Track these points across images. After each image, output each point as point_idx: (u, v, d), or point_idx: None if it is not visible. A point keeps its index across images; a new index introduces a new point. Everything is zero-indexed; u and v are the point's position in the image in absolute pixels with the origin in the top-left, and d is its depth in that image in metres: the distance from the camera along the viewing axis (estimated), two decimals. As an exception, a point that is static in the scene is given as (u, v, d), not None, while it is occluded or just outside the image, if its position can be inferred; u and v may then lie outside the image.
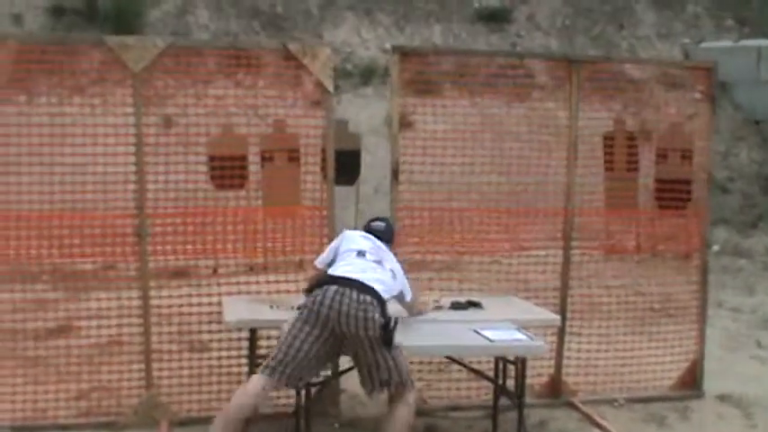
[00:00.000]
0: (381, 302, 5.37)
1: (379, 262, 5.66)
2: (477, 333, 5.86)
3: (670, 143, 8.38)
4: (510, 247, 7.54)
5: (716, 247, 14.02)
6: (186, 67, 6.89)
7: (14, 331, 6.68)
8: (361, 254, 5.66)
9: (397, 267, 5.82)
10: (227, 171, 6.86)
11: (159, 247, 6.70)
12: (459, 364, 6.62)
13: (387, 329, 5.26)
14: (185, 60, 6.85)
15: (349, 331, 5.25)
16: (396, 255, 6.03)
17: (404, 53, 7.11)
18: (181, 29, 17.13)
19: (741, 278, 13.27)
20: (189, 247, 6.84)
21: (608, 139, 8.11)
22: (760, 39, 17.94)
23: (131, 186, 6.46)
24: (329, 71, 6.78)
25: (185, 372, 6.85)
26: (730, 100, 17.51)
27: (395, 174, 6.94)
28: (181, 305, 6.80)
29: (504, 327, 6.02)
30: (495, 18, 18.56)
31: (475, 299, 6.71)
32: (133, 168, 6.45)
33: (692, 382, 7.84)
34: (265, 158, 7.16)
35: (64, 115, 6.52)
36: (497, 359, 6.48)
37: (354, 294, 5.26)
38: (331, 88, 6.82)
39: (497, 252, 7.54)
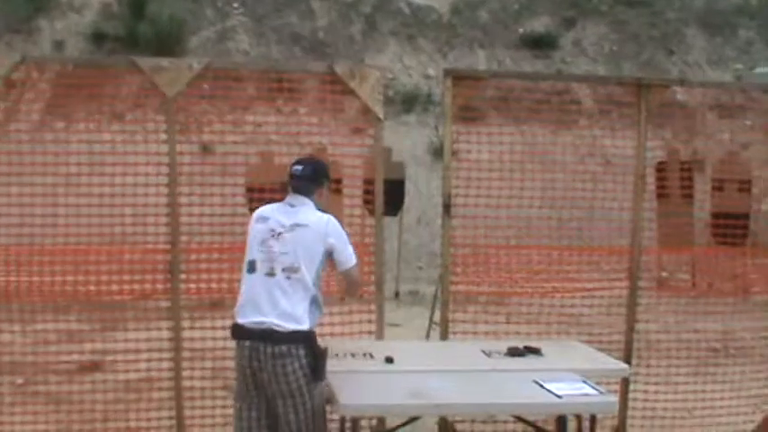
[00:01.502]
0: (301, 337, 4.79)
1: (286, 253, 4.83)
2: (541, 386, 5.15)
3: (726, 173, 7.97)
4: (568, 285, 7.11)
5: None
6: (225, 91, 6.63)
7: (45, 365, 6.45)
8: (251, 266, 4.91)
9: (328, 220, 4.94)
10: (266, 202, 6.54)
11: (193, 285, 6.40)
12: (519, 419, 6.08)
13: (316, 366, 4.80)
14: (223, 85, 6.57)
15: (271, 388, 4.82)
16: (326, 188, 5.13)
17: (457, 77, 6.50)
18: (221, 55, 17.00)
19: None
20: (225, 276, 6.52)
21: (661, 169, 7.72)
22: (815, 64, 17.44)
23: (163, 219, 6.15)
24: (378, 95, 6.32)
25: (218, 412, 6.51)
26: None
27: (446, 208, 6.40)
28: (215, 338, 6.47)
29: (569, 378, 5.33)
30: (539, 44, 18.25)
31: (533, 344, 6.17)
32: (165, 201, 6.13)
33: (773, 432, 7.14)
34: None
35: (100, 142, 6.35)
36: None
37: (269, 349, 4.75)
38: (381, 113, 6.36)
39: (557, 293, 7.10)
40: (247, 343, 4.82)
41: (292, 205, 4.95)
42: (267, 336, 4.76)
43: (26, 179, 6.18)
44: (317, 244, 4.85)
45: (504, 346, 5.99)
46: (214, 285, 6.45)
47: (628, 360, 6.67)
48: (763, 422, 7.22)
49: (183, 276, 6.20)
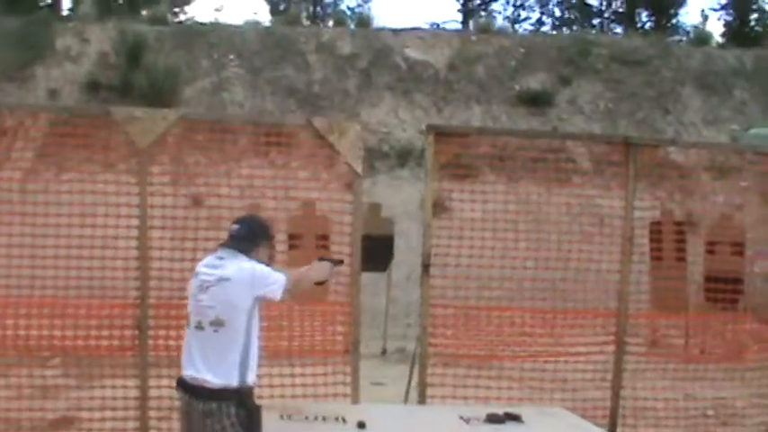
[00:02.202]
0: (232, 394, 4.66)
1: (213, 307, 4.71)
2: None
3: (719, 235, 7.80)
4: (552, 348, 6.88)
5: None
6: (211, 143, 6.49)
7: (18, 422, 6.24)
8: (188, 319, 4.83)
9: (251, 270, 4.80)
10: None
11: (162, 341, 6.18)
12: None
13: (250, 424, 4.64)
14: (212, 137, 6.44)
15: None
16: (264, 247, 5.01)
17: (440, 133, 6.45)
18: (216, 106, 16.94)
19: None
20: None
21: (655, 230, 7.54)
22: (811, 126, 17.33)
23: (132, 273, 5.97)
24: (359, 151, 6.16)
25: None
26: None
27: (425, 267, 6.24)
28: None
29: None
30: (536, 101, 18.20)
31: (514, 411, 5.86)
32: (135, 254, 5.95)
33: None
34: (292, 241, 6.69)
35: (80, 193, 6.20)
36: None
37: (199, 405, 4.64)
38: (359, 170, 6.17)
39: (540, 356, 6.86)
40: (185, 398, 4.73)
41: (221, 258, 4.84)
42: (198, 392, 4.65)
43: (15, 229, 6.09)
44: (243, 296, 4.71)
45: (483, 411, 5.70)
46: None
47: (613, 427, 6.44)
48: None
49: (150, 333, 6.00)
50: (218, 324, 4.70)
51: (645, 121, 18.13)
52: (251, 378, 4.77)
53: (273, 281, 4.80)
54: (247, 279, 4.73)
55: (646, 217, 7.66)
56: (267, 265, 4.92)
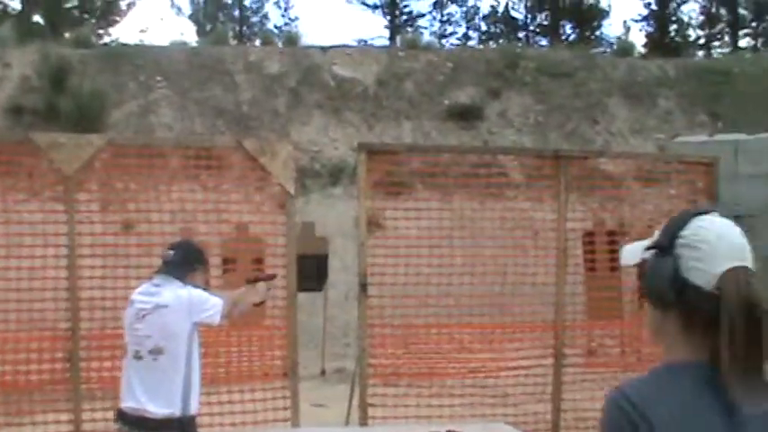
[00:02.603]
0: (174, 424, 4.59)
1: (150, 336, 4.63)
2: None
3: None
4: (493, 363, 6.84)
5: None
6: (140, 168, 6.35)
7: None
8: (126, 349, 4.76)
9: (188, 296, 4.70)
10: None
11: (95, 373, 6.00)
12: None
13: None
14: (141, 161, 6.30)
15: None
16: (200, 272, 4.92)
17: (371, 151, 6.36)
18: (144, 129, 16.67)
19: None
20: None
21: (588, 241, 7.58)
22: (734, 133, 17.69)
23: (62, 304, 5.78)
24: (291, 171, 6.07)
25: None
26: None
27: (363, 286, 6.13)
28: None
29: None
30: (465, 116, 18.26)
31: (456, 429, 5.81)
32: (65, 284, 5.76)
33: None
34: (227, 266, 6.58)
35: (6, 222, 6.01)
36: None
37: None
38: (292, 190, 6.09)
39: (480, 372, 6.82)
40: (126, 429, 4.62)
41: (157, 285, 4.75)
42: (140, 423, 4.55)
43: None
44: (181, 322, 4.63)
45: (426, 431, 5.68)
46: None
47: (556, 443, 6.42)
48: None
49: (82, 364, 5.82)
50: (157, 352, 4.59)
51: (574, 133, 18.32)
52: (194, 407, 4.68)
53: (211, 305, 4.71)
54: (185, 305, 4.64)
55: (578, 228, 7.70)
56: (204, 289, 4.83)
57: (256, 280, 5.27)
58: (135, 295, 4.82)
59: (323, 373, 12.17)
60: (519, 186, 11.59)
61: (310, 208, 14.90)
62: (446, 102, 18.50)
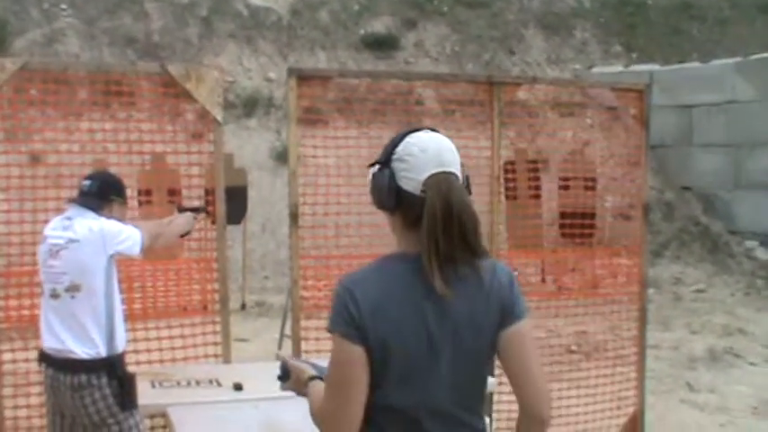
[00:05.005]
0: (101, 364, 4.41)
1: (65, 273, 4.42)
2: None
3: (571, 171, 7.84)
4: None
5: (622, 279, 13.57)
6: (55, 96, 6.00)
7: None
8: (42, 288, 4.55)
9: (99, 228, 4.46)
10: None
11: (14, 312, 5.72)
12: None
13: (123, 394, 4.41)
14: (53, 89, 5.95)
15: (77, 422, 4.49)
16: (118, 204, 4.69)
17: (301, 77, 5.96)
18: (50, 58, 16.01)
19: (652, 311, 12.80)
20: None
21: (509, 170, 7.52)
22: (649, 64, 17.86)
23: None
24: (218, 98, 5.81)
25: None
26: (623, 126, 17.31)
27: (293, 217, 5.87)
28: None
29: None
30: (381, 45, 18.03)
31: None
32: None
33: (635, 438, 6.82)
34: (142, 197, 6.33)
35: None
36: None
37: (68, 379, 4.38)
38: (220, 117, 5.85)
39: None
40: (50, 372, 4.44)
41: (69, 218, 4.52)
42: (65, 365, 4.38)
43: None
44: (96, 257, 4.42)
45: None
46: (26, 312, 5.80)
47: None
48: (628, 424, 7.05)
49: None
50: (74, 290, 4.39)
51: (491, 63, 18.25)
52: (120, 345, 4.50)
53: (127, 236, 4.49)
54: (98, 237, 4.42)
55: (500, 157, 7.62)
56: (120, 221, 4.61)
57: (186, 210, 5.10)
58: (47, 231, 4.59)
59: (243, 307, 12.03)
60: (437, 115, 11.50)
61: (225, 140, 14.58)
62: (362, 31, 18.23)
